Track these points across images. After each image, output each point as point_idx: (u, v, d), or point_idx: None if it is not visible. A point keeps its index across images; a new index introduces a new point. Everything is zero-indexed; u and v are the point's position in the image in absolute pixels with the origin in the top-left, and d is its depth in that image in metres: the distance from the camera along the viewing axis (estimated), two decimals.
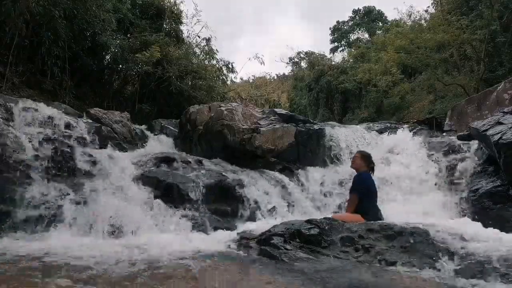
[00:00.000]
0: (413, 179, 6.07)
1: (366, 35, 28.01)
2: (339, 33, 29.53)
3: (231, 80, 15.31)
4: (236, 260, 3.42)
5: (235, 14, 64.54)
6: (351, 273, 2.99)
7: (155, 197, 5.18)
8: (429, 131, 8.88)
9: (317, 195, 6.37)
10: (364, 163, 4.71)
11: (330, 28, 30.20)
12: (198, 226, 4.92)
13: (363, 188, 4.50)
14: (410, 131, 8.18)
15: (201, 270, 3.07)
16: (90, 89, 10.58)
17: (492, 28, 13.23)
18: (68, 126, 6.04)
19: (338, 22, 29.89)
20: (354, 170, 4.83)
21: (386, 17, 27.48)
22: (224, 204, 5.45)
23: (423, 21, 18.78)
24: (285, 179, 6.44)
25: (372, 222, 4.00)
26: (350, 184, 4.79)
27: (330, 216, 4.31)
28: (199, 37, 14.14)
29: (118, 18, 10.85)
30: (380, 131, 8.32)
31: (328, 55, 28.73)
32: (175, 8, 13.63)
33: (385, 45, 17.19)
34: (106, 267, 3.03)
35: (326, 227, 3.86)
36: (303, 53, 29.94)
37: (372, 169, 4.74)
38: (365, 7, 28.44)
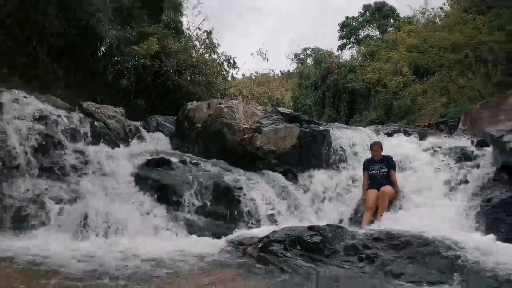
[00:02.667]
0: (423, 187, 6.05)
1: (377, 32, 27.98)
2: (348, 29, 29.50)
3: (232, 76, 15.24)
4: (232, 267, 3.42)
5: (235, 6, 64.48)
6: (354, 284, 2.99)
7: (149, 198, 5.18)
8: (441, 135, 8.84)
9: (320, 200, 6.36)
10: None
11: (338, 24, 30.20)
12: (193, 230, 4.92)
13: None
14: (421, 135, 8.16)
15: (194, 277, 3.06)
16: (83, 82, 10.57)
17: (511, 29, 13.19)
18: (58, 120, 6.04)
19: (347, 17, 29.88)
20: (377, 157, 6.17)
21: (398, 13, 27.46)
22: (221, 207, 5.44)
23: (437, 19, 18.74)
24: (287, 182, 6.43)
25: (379, 230, 4.00)
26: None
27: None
28: (199, 29, 14.13)
29: (115, 7, 10.85)
30: (389, 134, 8.31)
31: (336, 52, 28.73)
32: None
33: (397, 44, 17.14)
34: (91, 271, 3.03)
35: (329, 235, 3.85)
36: (310, 49, 29.98)
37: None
38: (376, 2, 28.42)
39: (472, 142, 7.21)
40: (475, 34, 13.49)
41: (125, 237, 4.39)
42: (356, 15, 29.58)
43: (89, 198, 4.70)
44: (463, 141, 7.46)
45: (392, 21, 27.22)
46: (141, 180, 5.41)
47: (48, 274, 2.90)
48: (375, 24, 28.32)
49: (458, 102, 14.68)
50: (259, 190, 5.90)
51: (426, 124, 11.51)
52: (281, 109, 8.01)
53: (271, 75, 34.19)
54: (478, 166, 6.06)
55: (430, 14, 19.43)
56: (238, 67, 14.24)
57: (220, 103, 7.27)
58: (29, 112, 5.83)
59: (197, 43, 14.06)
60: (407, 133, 8.35)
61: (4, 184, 4.54)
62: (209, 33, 13.94)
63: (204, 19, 14.01)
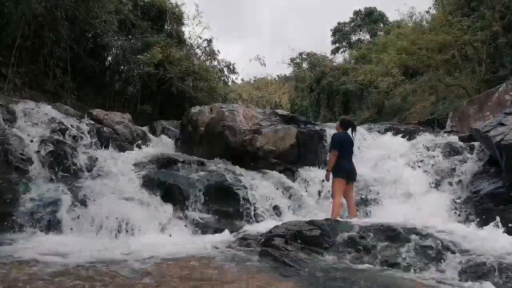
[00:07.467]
0: (414, 180, 6.05)
1: (367, 36, 27.96)
2: (340, 34, 29.47)
3: (232, 81, 15.33)
4: (236, 261, 3.42)
5: (234, 15, 64.37)
6: (352, 274, 2.99)
7: (157, 198, 5.18)
8: (430, 132, 8.85)
9: (318, 195, 6.35)
10: (340, 127, 5.53)
11: (331, 30, 30.18)
12: (199, 227, 4.92)
13: (335, 146, 5.27)
14: (412, 133, 8.17)
15: (202, 270, 3.07)
16: (91, 90, 10.59)
17: (493, 29, 13.20)
18: (69, 127, 6.05)
19: (339, 23, 29.84)
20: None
21: (387, 18, 27.43)
22: (225, 205, 5.45)
23: (424, 22, 18.75)
24: (286, 180, 6.43)
25: (374, 223, 3.99)
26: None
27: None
28: (200, 38, 14.17)
29: (120, 19, 10.87)
30: (381, 132, 8.31)
31: (329, 56, 28.71)
32: (177, 9, 13.66)
33: (386, 46, 17.16)
34: (104, 269, 3.03)
35: (327, 228, 3.85)
36: (305, 54, 29.94)
37: (349, 129, 5.47)
38: (366, 8, 28.38)
39: (460, 138, 7.21)
40: (460, 35, 13.51)
41: (136, 235, 4.39)
42: (347, 20, 29.57)
43: (99, 200, 4.70)
44: (452, 137, 7.46)
45: (381, 25, 27.21)
46: (149, 181, 5.41)
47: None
48: (365, 29, 28.29)
49: (446, 100, 14.69)
50: (261, 188, 5.90)
51: (417, 121, 11.52)
52: (279, 111, 8.01)
53: (268, 79, 34.20)
54: (466, 160, 6.06)
55: (417, 18, 19.48)
56: (237, 73, 14.29)
57: (221, 107, 7.28)
58: (42, 120, 5.84)
59: (198, 51, 14.11)
60: (398, 131, 8.36)
61: (19, 188, 4.53)
62: (209, 41, 14.00)
63: (204, 28, 14.04)
